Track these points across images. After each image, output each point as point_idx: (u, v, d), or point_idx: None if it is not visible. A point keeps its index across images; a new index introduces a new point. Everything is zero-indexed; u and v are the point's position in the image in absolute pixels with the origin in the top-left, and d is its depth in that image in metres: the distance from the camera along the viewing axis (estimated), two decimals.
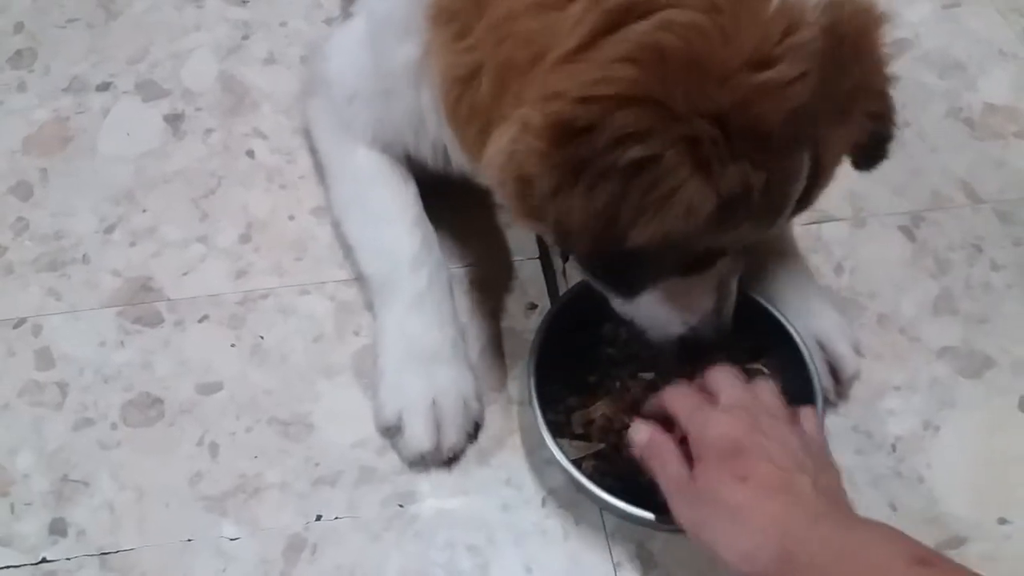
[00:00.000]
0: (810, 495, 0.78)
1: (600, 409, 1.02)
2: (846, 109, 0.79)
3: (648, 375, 1.05)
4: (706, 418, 0.86)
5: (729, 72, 0.71)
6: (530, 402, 1.00)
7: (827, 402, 1.06)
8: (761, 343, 1.05)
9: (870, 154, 0.90)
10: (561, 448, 0.97)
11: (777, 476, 0.79)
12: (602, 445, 1.01)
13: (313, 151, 1.27)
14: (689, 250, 0.82)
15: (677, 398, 0.92)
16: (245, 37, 1.47)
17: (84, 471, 1.02)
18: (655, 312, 0.93)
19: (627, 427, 0.96)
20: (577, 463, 0.97)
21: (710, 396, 0.91)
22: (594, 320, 1.06)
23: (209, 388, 1.09)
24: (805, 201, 0.83)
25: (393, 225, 1.11)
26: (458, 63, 0.85)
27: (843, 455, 1.06)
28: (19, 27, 1.48)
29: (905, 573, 0.65)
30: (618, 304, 0.96)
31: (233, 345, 1.13)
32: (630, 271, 0.82)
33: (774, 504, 0.77)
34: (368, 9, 1.08)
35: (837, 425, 1.08)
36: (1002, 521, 1.03)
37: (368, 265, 1.12)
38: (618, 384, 1.05)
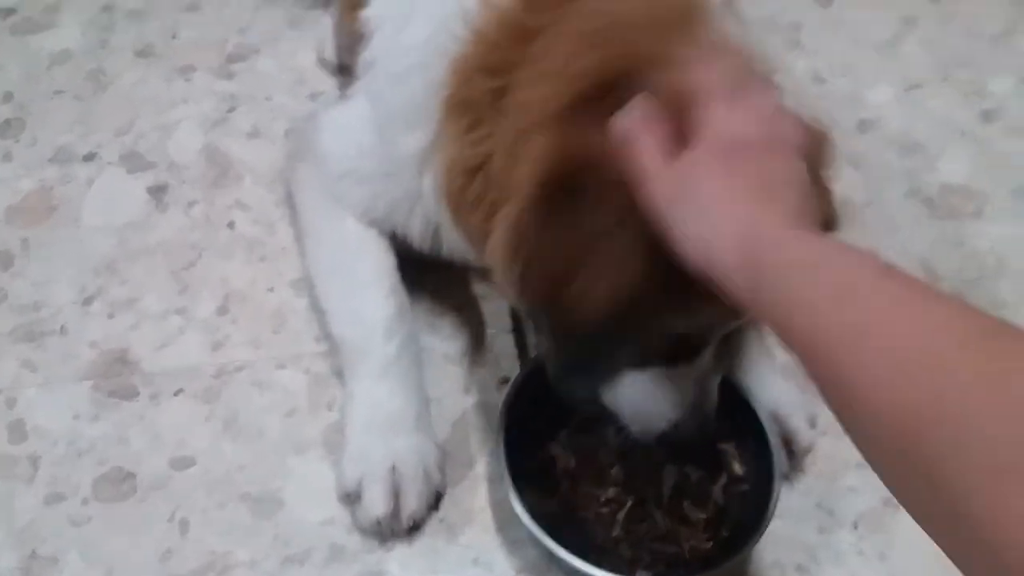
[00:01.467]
0: (792, 207, 0.72)
1: (561, 461, 1.06)
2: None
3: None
4: (730, 109, 0.77)
5: None
6: (497, 446, 1.03)
7: (783, 477, 1.07)
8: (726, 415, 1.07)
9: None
10: (526, 504, 0.98)
11: (766, 183, 0.72)
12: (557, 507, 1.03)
13: (294, 214, 1.29)
14: (656, 329, 0.85)
15: (710, 73, 0.80)
16: (231, 110, 1.51)
17: (53, 547, 1.03)
18: (637, 405, 0.95)
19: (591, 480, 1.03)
20: (540, 517, 0.98)
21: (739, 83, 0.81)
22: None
23: (182, 463, 1.10)
24: None
25: (369, 292, 1.13)
26: (469, 154, 0.91)
27: (806, 532, 1.08)
28: (8, 96, 1.51)
29: (870, 280, 0.62)
30: (604, 396, 0.98)
31: (207, 419, 1.14)
32: (594, 362, 0.86)
33: (750, 205, 0.71)
34: (375, 94, 1.10)
35: (799, 502, 1.10)
36: None
37: (341, 330, 1.14)
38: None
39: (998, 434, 0.50)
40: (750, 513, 1.02)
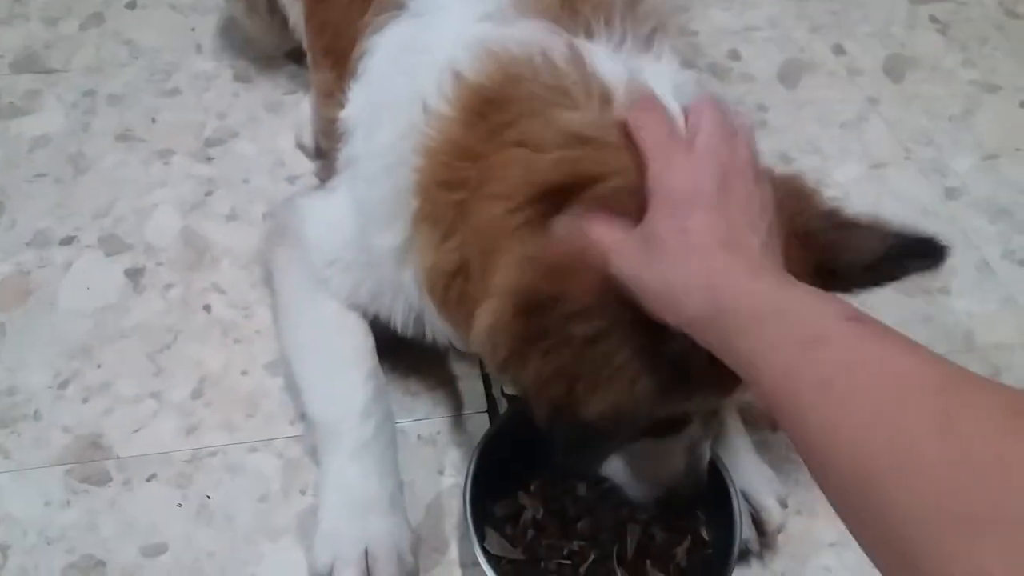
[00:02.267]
0: (756, 253, 0.73)
1: (529, 510, 1.06)
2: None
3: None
4: (671, 159, 0.79)
5: None
6: (463, 499, 1.04)
7: (752, 554, 1.11)
8: None
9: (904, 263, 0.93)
10: (491, 551, 1.01)
11: (725, 232, 0.74)
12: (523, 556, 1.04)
13: (272, 295, 1.30)
14: (646, 419, 0.86)
15: (649, 125, 0.83)
16: (208, 193, 1.54)
17: None
18: (636, 473, 0.98)
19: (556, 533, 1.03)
20: (504, 565, 1.01)
21: (682, 132, 0.84)
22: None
23: (153, 550, 1.09)
24: None
25: (348, 374, 1.14)
26: (446, 260, 0.95)
27: None
28: None
29: (837, 327, 0.62)
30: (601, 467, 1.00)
31: (180, 505, 1.14)
32: (591, 443, 0.87)
33: (716, 258, 0.72)
34: (355, 190, 1.13)
35: None
36: None
37: (317, 410, 1.14)
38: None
39: (949, 484, 0.51)
40: (717, 570, 1.03)
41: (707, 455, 1.02)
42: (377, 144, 1.04)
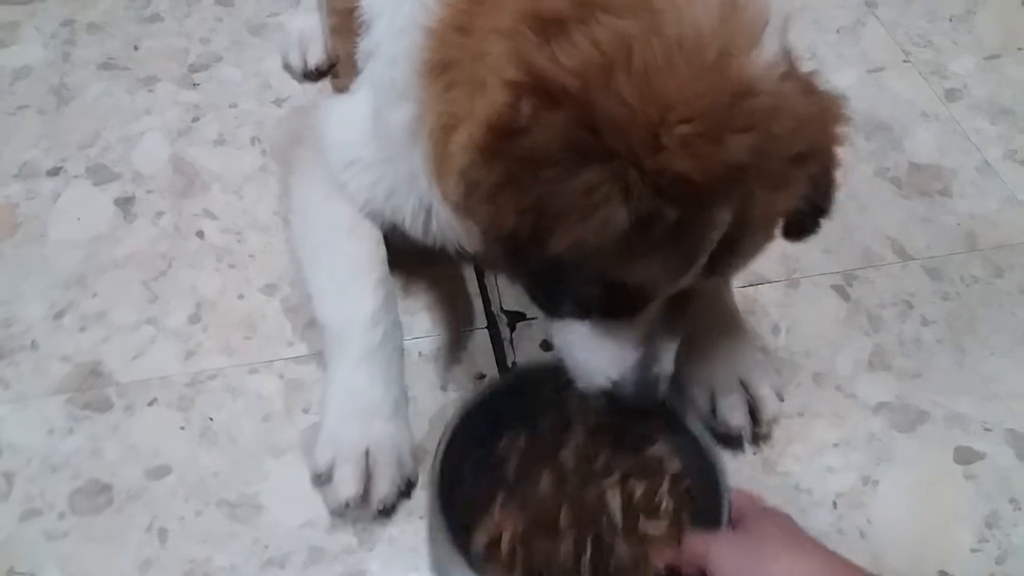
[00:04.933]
0: None
1: (508, 527, 1.00)
2: (785, 176, 0.84)
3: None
4: None
5: (670, 121, 0.77)
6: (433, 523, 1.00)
7: (747, 444, 1.13)
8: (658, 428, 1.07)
9: (802, 226, 0.96)
10: None
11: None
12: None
13: (286, 196, 1.28)
14: (607, 275, 0.86)
15: (725, 557, 0.90)
16: (195, 119, 1.51)
17: (31, 563, 1.02)
18: (583, 354, 0.96)
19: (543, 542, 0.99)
20: None
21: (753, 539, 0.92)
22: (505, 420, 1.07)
23: (158, 472, 1.10)
24: (733, 257, 0.87)
25: (359, 279, 1.13)
26: (448, 112, 0.92)
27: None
28: None
29: None
30: (555, 340, 0.99)
31: (182, 428, 1.14)
32: (552, 283, 0.88)
33: None
34: (372, 80, 1.12)
35: (779, 484, 1.11)
36: (942, 574, 1.05)
37: (327, 314, 1.14)
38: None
39: None
40: (706, 503, 1.01)
41: (666, 368, 0.96)
42: (397, 24, 1.01)
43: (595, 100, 0.78)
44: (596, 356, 0.95)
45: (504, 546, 0.98)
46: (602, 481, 1.04)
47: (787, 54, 0.86)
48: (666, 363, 0.97)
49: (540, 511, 1.01)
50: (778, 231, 0.94)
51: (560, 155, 0.78)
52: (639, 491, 1.04)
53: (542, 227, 0.80)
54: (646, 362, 0.94)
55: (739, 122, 0.79)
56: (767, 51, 0.82)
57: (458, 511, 0.99)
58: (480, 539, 0.99)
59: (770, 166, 0.82)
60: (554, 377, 1.01)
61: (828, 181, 0.93)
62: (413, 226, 1.14)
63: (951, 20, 1.70)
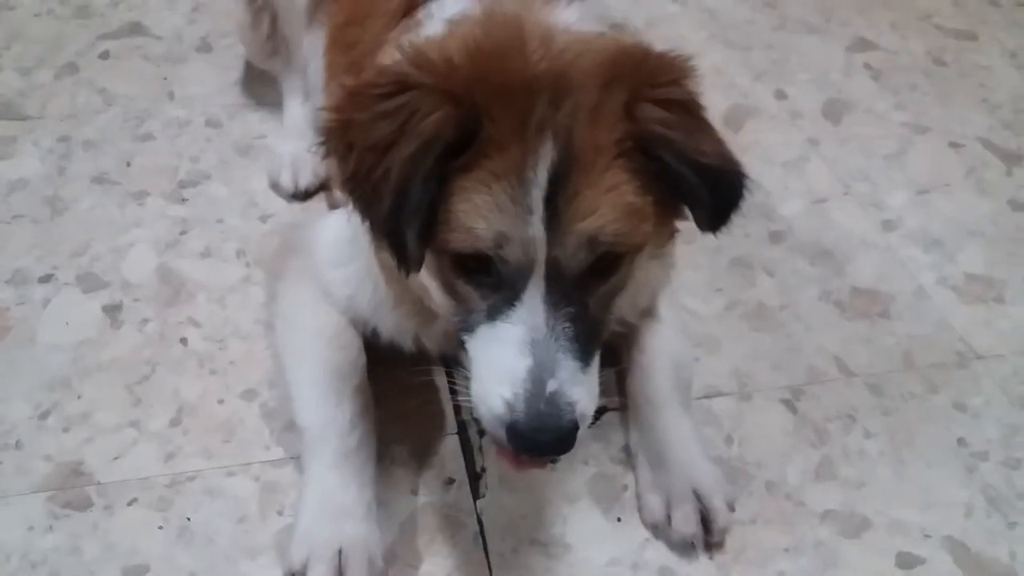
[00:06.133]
0: None
1: None
2: (597, 105, 0.92)
3: None
4: None
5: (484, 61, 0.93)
6: None
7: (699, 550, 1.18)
8: None
9: (711, 215, 0.99)
10: None
11: None
12: None
13: (272, 303, 1.36)
14: (448, 209, 0.93)
15: None
16: (183, 232, 1.59)
17: None
18: (481, 369, 0.97)
19: None
20: None
21: None
22: None
23: (136, 571, 1.12)
24: (572, 206, 0.91)
25: (339, 386, 1.20)
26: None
27: None
28: None
29: None
30: (466, 365, 1.01)
31: (160, 527, 1.17)
32: (400, 228, 0.93)
33: None
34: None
35: None
36: None
37: (306, 417, 1.20)
38: None
39: None
40: None
41: (568, 390, 0.92)
42: None
43: (424, 48, 0.95)
44: (489, 370, 0.95)
45: None
46: None
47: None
48: (574, 389, 0.93)
49: None
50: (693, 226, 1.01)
51: (387, 89, 0.93)
52: None
53: (382, 163, 0.91)
54: (537, 373, 0.92)
55: (535, 55, 0.93)
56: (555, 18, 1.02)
57: None
58: None
59: (579, 98, 0.92)
60: None
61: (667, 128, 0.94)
62: (381, 322, 1.23)
63: (885, 158, 1.85)
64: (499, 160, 0.90)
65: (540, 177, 0.90)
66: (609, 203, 0.92)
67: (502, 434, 0.94)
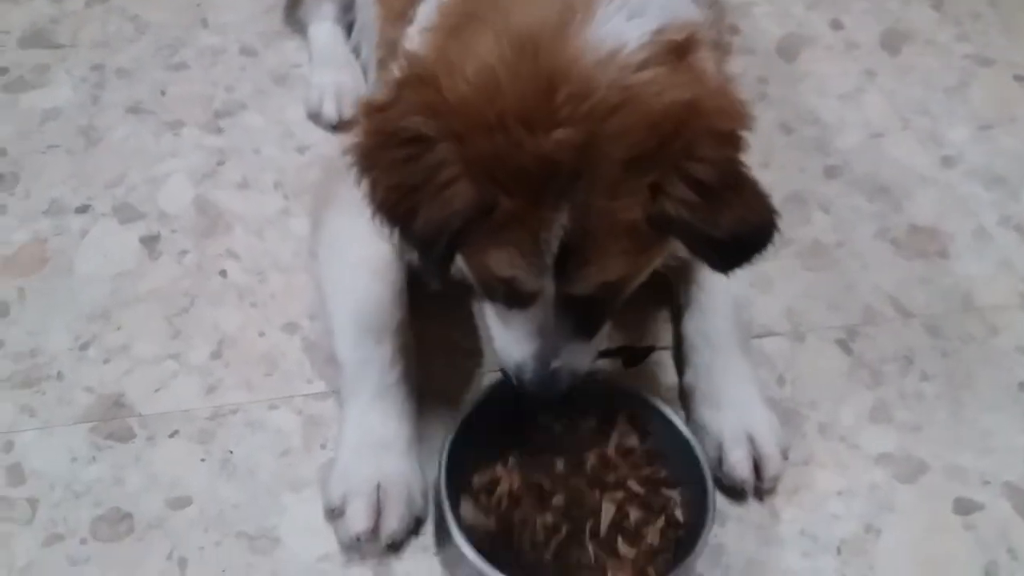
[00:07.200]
0: None
1: (505, 482, 1.06)
2: (620, 183, 0.88)
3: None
4: None
5: (498, 110, 0.87)
6: (439, 468, 1.06)
7: (747, 496, 1.16)
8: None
9: (725, 268, 0.96)
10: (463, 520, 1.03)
11: None
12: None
13: (316, 232, 1.32)
14: (467, 260, 1.00)
15: None
16: (220, 163, 1.56)
17: None
18: (496, 331, 1.07)
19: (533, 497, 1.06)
20: (476, 533, 1.02)
21: None
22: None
23: (179, 503, 1.12)
24: (582, 266, 0.93)
25: (382, 322, 1.18)
26: None
27: (791, 558, 1.11)
28: (2, 152, 1.55)
29: None
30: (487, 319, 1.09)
31: (203, 460, 1.16)
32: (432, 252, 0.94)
33: None
34: None
35: (785, 529, 1.14)
36: None
37: (347, 351, 1.18)
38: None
39: None
40: (681, 557, 1.03)
41: (574, 365, 1.04)
42: None
43: (443, 85, 0.89)
44: (502, 338, 1.06)
45: (495, 496, 1.05)
46: (608, 491, 1.08)
47: (657, 36, 0.90)
48: (575, 362, 1.04)
49: (540, 484, 1.07)
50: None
51: (415, 133, 0.89)
52: (634, 517, 1.07)
53: (405, 203, 0.91)
54: (543, 354, 1.02)
55: (561, 115, 0.86)
56: (601, 38, 0.88)
57: (472, 454, 1.08)
58: (477, 479, 1.07)
59: (602, 170, 0.87)
60: None
61: (701, 198, 0.89)
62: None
63: (946, 91, 1.77)
64: (514, 230, 0.91)
65: (552, 244, 0.91)
66: (619, 264, 0.96)
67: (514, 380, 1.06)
